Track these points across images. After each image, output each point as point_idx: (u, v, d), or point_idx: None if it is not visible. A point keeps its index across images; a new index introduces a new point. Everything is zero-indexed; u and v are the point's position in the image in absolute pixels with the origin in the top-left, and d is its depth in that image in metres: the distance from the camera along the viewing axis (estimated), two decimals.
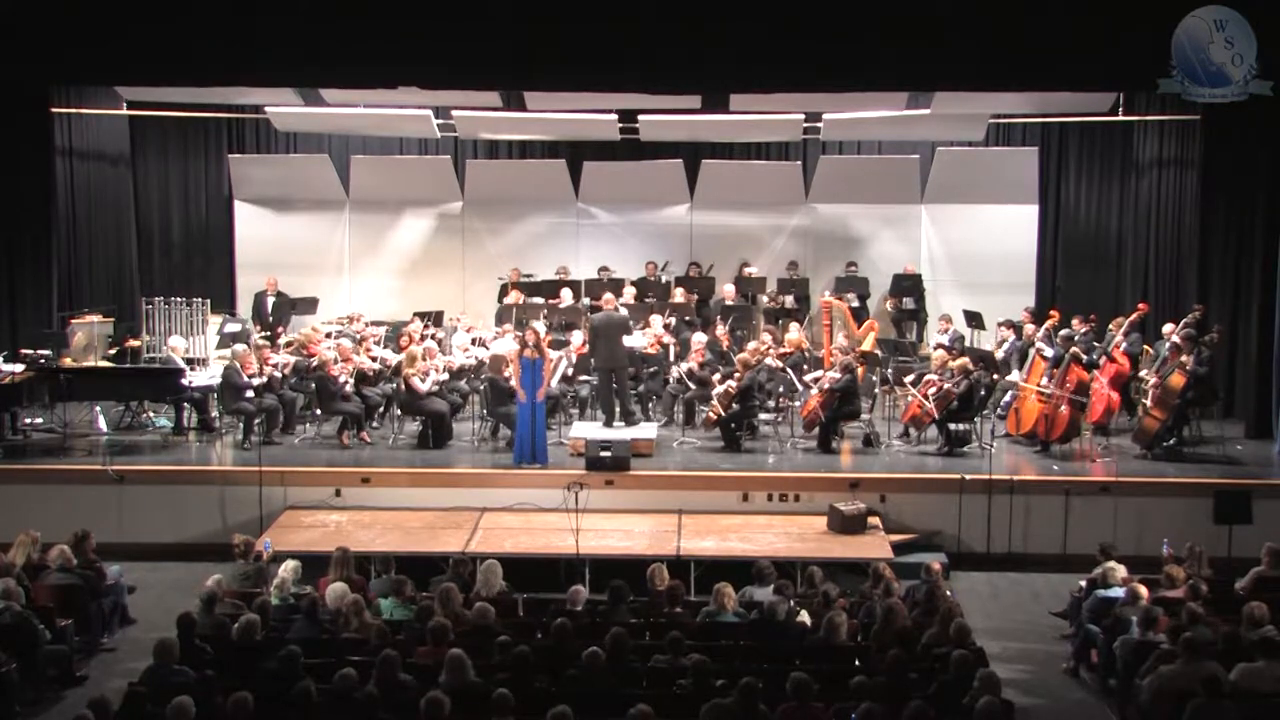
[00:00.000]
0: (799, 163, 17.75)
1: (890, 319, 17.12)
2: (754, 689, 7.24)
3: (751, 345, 14.25)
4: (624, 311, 14.52)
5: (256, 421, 13.38)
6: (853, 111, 16.19)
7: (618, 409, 13.65)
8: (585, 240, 17.85)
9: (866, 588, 9.94)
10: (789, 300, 16.99)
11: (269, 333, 15.95)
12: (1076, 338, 13.88)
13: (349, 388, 13.57)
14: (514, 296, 16.32)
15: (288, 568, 9.61)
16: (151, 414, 14.30)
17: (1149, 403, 13.10)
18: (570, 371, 14.14)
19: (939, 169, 17.36)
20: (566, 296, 16.35)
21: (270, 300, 16.86)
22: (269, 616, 8.93)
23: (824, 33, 12.34)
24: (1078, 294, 17.20)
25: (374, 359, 14.25)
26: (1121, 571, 9.81)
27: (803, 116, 16.56)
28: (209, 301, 16.73)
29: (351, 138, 17.91)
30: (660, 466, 12.81)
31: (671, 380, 14.38)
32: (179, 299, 16.41)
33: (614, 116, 16.36)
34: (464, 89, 14.82)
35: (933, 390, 13.17)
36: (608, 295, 14.90)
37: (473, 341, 15.17)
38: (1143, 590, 9.32)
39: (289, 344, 14.73)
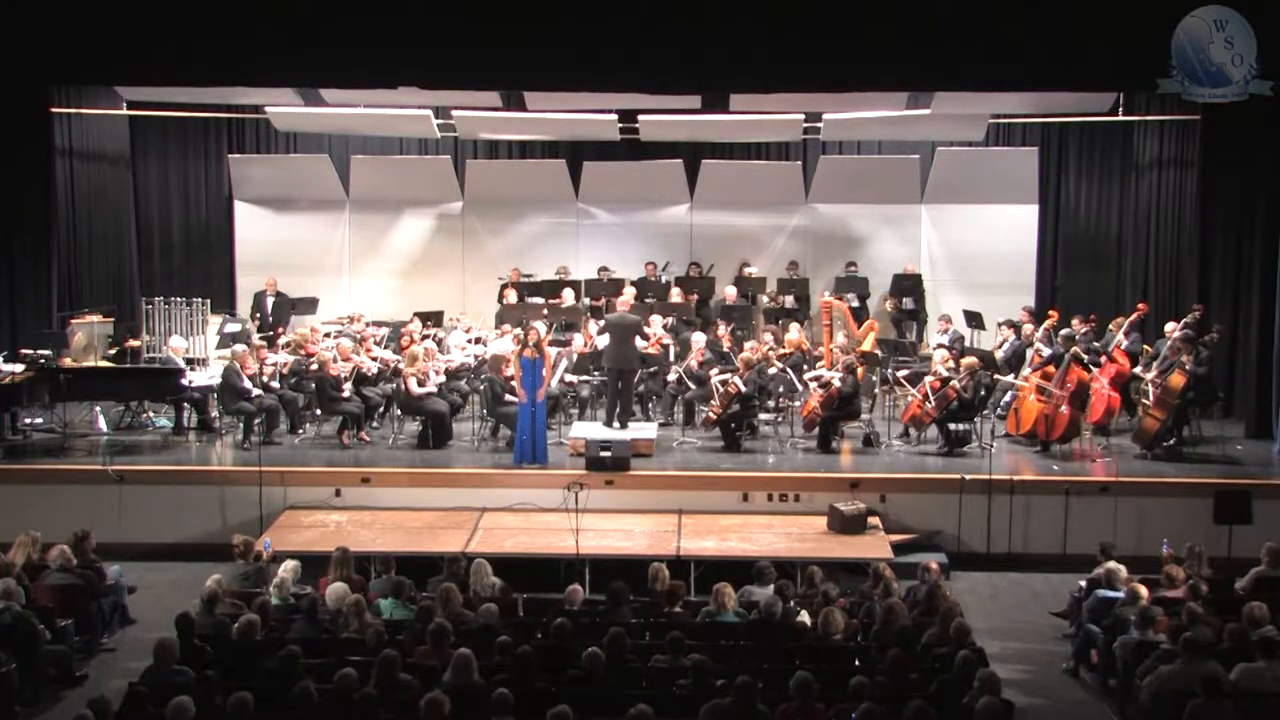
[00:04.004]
0: (799, 163, 17.76)
1: (890, 319, 17.12)
2: (750, 687, 7.25)
3: (751, 344, 14.26)
4: (637, 315, 14.42)
5: (256, 421, 13.39)
6: (853, 111, 16.20)
7: (617, 409, 13.63)
8: (585, 240, 17.85)
9: (866, 587, 9.95)
10: (789, 300, 17.00)
11: (269, 333, 15.96)
12: (1077, 337, 13.88)
13: (348, 387, 13.57)
14: (511, 296, 16.34)
15: (288, 568, 9.60)
16: (151, 414, 14.30)
17: (1149, 402, 13.10)
18: (570, 378, 14.11)
19: (939, 169, 17.36)
20: (568, 296, 16.37)
21: (270, 300, 16.86)
22: (269, 616, 8.93)
23: (824, 33, 12.33)
24: (1078, 294, 17.22)
25: (374, 359, 14.26)
26: (1123, 572, 9.81)
27: (803, 116, 16.56)
28: (209, 301, 16.73)
29: (351, 138, 17.92)
30: (660, 466, 12.81)
31: (671, 380, 14.38)
32: (179, 299, 16.39)
33: (614, 116, 16.37)
34: (464, 89, 14.82)
35: (935, 386, 13.17)
36: (623, 297, 14.88)
37: (472, 341, 15.17)
38: (1143, 590, 9.32)
39: (287, 344, 14.73)
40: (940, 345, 14.76)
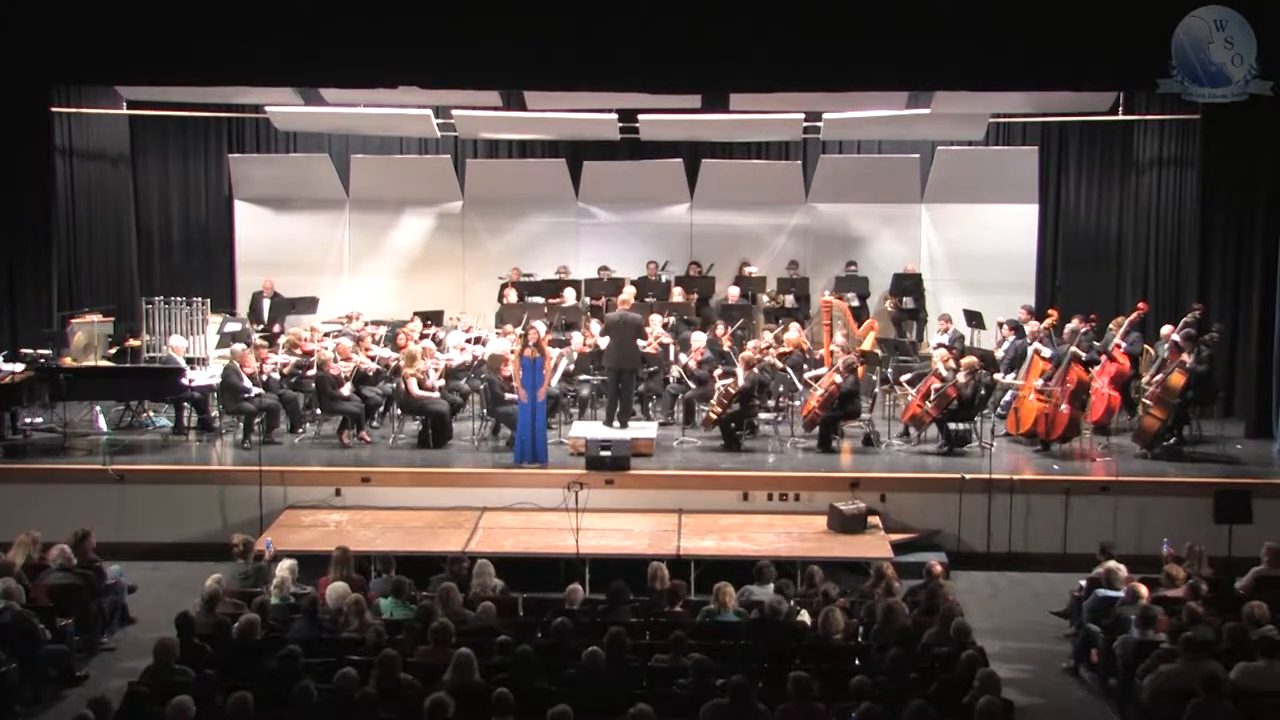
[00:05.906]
0: (799, 162, 17.76)
1: (890, 319, 17.12)
2: (745, 686, 7.25)
3: (752, 344, 14.26)
4: (639, 315, 14.37)
5: (256, 421, 13.39)
6: (853, 111, 16.20)
7: (617, 409, 13.63)
8: (585, 240, 17.86)
9: (867, 587, 9.95)
10: (789, 300, 17.00)
11: (267, 332, 15.95)
12: (1078, 335, 13.87)
13: (348, 387, 13.56)
14: (511, 295, 16.33)
15: (285, 567, 9.60)
16: (151, 414, 14.30)
17: (1149, 402, 13.10)
18: (571, 369, 14.14)
19: (939, 169, 17.36)
20: (568, 296, 16.37)
21: (266, 302, 16.84)
22: (269, 616, 8.93)
23: (824, 32, 12.34)
24: (1078, 294, 17.22)
25: (373, 358, 14.26)
26: (1123, 572, 9.81)
27: (803, 116, 16.56)
28: (209, 301, 16.74)
29: (351, 138, 17.93)
30: (660, 466, 12.80)
31: (671, 380, 14.38)
32: (179, 299, 16.41)
33: (614, 116, 16.37)
34: (464, 89, 14.83)
35: (935, 385, 13.17)
36: (624, 296, 14.89)
37: (472, 340, 15.16)
38: (1143, 590, 9.32)
39: (284, 344, 14.73)
40: (940, 345, 14.76)
